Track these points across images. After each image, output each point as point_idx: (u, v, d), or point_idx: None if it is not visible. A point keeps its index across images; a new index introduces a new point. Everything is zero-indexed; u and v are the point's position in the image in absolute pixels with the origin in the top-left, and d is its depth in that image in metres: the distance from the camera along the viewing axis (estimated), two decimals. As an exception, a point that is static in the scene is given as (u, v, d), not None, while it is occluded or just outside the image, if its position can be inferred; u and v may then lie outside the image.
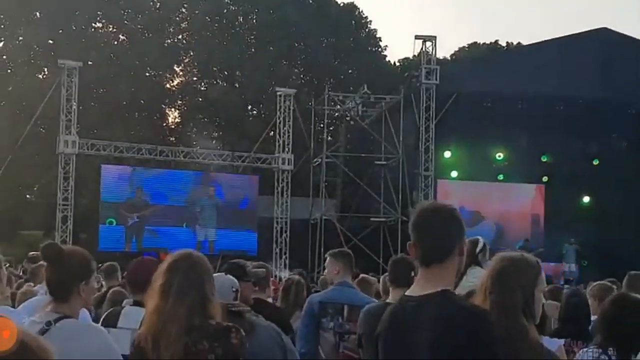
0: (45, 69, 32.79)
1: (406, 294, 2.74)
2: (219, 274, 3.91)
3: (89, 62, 27.11)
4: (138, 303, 4.02)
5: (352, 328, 5.42)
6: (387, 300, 5.01)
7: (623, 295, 4.41)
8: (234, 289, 3.81)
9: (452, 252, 2.66)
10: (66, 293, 3.16)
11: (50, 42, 33.24)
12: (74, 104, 22.22)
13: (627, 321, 4.04)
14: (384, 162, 24.69)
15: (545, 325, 3.61)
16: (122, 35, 35.26)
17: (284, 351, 3.77)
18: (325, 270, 6.16)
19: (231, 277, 3.90)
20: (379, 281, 7.60)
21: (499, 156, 25.02)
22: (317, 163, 25.28)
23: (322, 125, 26.65)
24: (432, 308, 2.57)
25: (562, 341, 4.26)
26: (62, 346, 3.02)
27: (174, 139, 34.10)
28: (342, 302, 5.53)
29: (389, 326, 2.73)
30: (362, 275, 7.56)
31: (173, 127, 36.79)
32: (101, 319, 4.11)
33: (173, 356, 2.99)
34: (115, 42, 34.83)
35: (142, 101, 34.47)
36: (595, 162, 25.78)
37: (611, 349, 4.03)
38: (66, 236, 21.86)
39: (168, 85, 36.66)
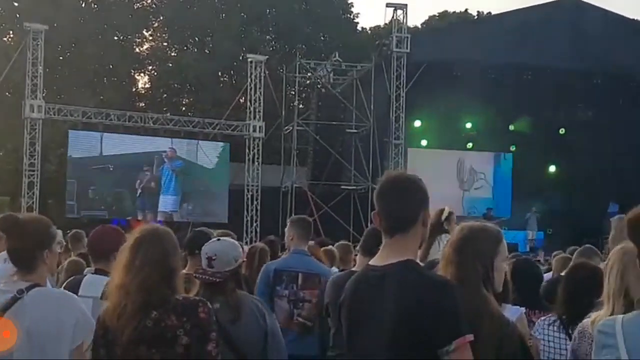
0: (11, 32, 32.12)
1: (370, 263, 2.73)
2: (226, 239, 3.85)
3: (56, 25, 26.61)
4: (100, 271, 4.00)
5: (306, 296, 5.48)
6: (353, 269, 5.10)
7: (581, 265, 4.54)
8: (236, 260, 3.73)
9: (415, 221, 2.65)
10: (30, 262, 3.13)
11: (16, 4, 32.59)
12: (40, 67, 21.89)
13: (578, 290, 4.19)
14: (355, 131, 24.75)
15: (509, 294, 3.62)
16: (91, -3, 34.67)
17: (265, 323, 3.76)
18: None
19: (238, 247, 3.82)
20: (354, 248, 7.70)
21: (468, 125, 25.24)
22: (288, 131, 25.26)
23: (293, 93, 26.60)
24: (395, 278, 2.56)
25: (523, 309, 4.31)
26: (39, 315, 3.05)
27: (143, 104, 33.77)
28: (296, 270, 5.54)
29: (352, 295, 2.73)
30: (328, 247, 7.65)
31: (142, 92, 36.39)
32: (62, 287, 4.07)
33: (135, 330, 2.95)
34: (83, 5, 34.16)
35: (110, 66, 33.99)
36: (562, 132, 26.15)
37: (564, 316, 4.19)
38: (33, 202, 21.64)
39: (137, 50, 36.16)
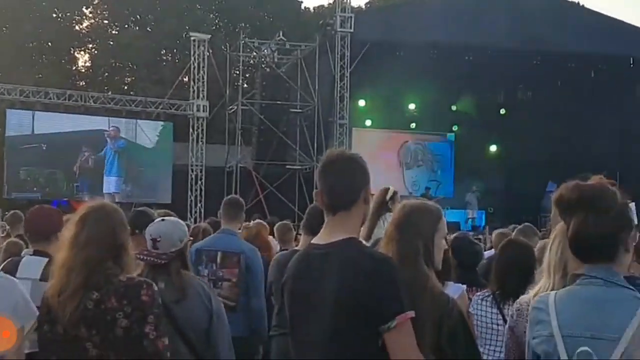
0: (-55, 8, 31.06)
1: (312, 241, 2.74)
2: (170, 219, 3.80)
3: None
4: (39, 252, 3.93)
5: (225, 275, 5.46)
6: (296, 248, 5.12)
7: (512, 241, 4.65)
8: (181, 241, 3.68)
9: (357, 199, 2.66)
10: None
11: (-50, -21, 31.47)
12: (-24, 45, 21.24)
13: (509, 266, 4.30)
14: (300, 110, 24.69)
15: (450, 271, 3.68)
16: (27, -27, 33.61)
17: (210, 304, 3.74)
18: None
19: (183, 227, 3.76)
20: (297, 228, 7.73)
21: (412, 106, 25.45)
22: (233, 110, 25.05)
23: (237, 72, 26.35)
24: (338, 255, 2.57)
25: (464, 287, 4.35)
26: None
27: (84, 83, 33.04)
28: (216, 249, 5.53)
29: (295, 274, 2.74)
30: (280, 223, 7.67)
31: (83, 71, 35.57)
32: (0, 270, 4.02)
33: (76, 310, 2.91)
34: (21, -19, 33.16)
35: (49, 43, 33.12)
36: (503, 112, 26.60)
37: (498, 292, 4.31)
38: (-30, 184, 21.10)
39: (77, 28, 35.28)
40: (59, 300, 2.95)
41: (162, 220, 3.77)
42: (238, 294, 5.47)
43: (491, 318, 4.28)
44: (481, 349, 4.17)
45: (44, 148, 21.98)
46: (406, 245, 2.80)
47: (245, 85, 27.80)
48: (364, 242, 2.88)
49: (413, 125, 25.81)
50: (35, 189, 21.93)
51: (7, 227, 6.89)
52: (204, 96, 23.95)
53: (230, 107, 25.18)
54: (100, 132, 22.84)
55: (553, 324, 2.18)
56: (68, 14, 34.15)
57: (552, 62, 24.31)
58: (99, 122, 22.95)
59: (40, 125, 22.09)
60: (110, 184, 22.88)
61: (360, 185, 2.69)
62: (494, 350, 4.26)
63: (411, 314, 2.49)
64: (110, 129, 22.86)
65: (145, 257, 3.59)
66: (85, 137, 22.64)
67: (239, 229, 6.00)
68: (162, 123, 23.80)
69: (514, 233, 6.20)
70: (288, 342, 2.81)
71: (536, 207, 22.11)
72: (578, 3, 29.45)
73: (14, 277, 3.75)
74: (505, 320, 4.16)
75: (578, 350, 2.09)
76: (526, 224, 6.74)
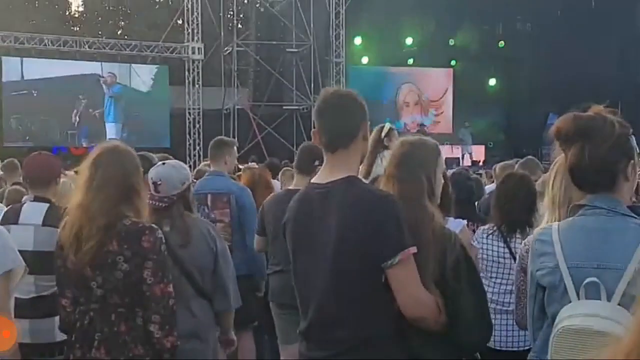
0: None
1: (312, 181, 2.74)
2: (171, 163, 3.79)
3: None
4: (39, 198, 3.93)
5: (217, 217, 5.49)
6: (290, 187, 5.10)
7: (511, 174, 4.63)
8: (182, 183, 3.67)
9: (356, 136, 2.65)
10: None
11: None
12: (-33, -7, 20.89)
13: (514, 198, 4.29)
14: (296, 50, 24.44)
15: (451, 207, 3.67)
16: None
17: (215, 246, 3.73)
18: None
19: (184, 170, 3.75)
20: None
21: (409, 41, 25.17)
22: (228, 52, 24.79)
23: (232, 13, 25.96)
24: (338, 194, 2.58)
25: (464, 222, 4.36)
26: None
27: (77, 29, 32.60)
28: (205, 192, 5.55)
29: (296, 213, 2.73)
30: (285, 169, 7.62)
31: (76, 16, 35.08)
32: (0, 216, 4.01)
33: (90, 254, 2.95)
34: None
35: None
36: (501, 45, 26.32)
37: (503, 225, 4.31)
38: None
39: (69, -28, 34.68)
40: (73, 244, 2.99)
41: (163, 164, 3.76)
42: (232, 233, 5.51)
43: (497, 252, 4.30)
44: (487, 282, 4.21)
45: (35, 95, 21.77)
46: (409, 183, 2.78)
47: (240, 26, 27.44)
48: (363, 180, 2.86)
49: (410, 61, 25.60)
50: (27, 137, 21.74)
51: (1, 173, 6.90)
52: (198, 38, 23.66)
53: (226, 48, 24.90)
54: (94, 77, 22.60)
55: (558, 255, 2.17)
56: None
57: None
58: (92, 68, 22.72)
59: (31, 71, 21.84)
60: (109, 130, 22.79)
61: (357, 122, 2.67)
62: (501, 283, 4.30)
63: (413, 249, 2.50)
64: (107, 75, 22.62)
65: (148, 201, 3.57)
66: (80, 83, 22.40)
67: (237, 171, 5.95)
68: (156, 67, 23.58)
69: (516, 166, 6.17)
70: (285, 279, 2.82)
71: (537, 140, 22.06)
72: None
73: (17, 223, 3.83)
74: (512, 254, 4.19)
75: (585, 282, 2.08)
76: (529, 157, 6.71)
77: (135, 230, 3.00)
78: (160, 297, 3.01)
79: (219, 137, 6.27)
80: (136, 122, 23.09)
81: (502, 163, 7.43)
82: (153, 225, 3.11)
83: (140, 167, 3.17)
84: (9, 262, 3.03)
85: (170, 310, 3.02)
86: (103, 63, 22.77)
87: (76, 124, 22.36)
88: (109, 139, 22.21)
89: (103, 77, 22.61)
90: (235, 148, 6.03)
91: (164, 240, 3.09)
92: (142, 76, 23.30)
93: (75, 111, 22.27)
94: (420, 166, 2.83)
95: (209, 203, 5.54)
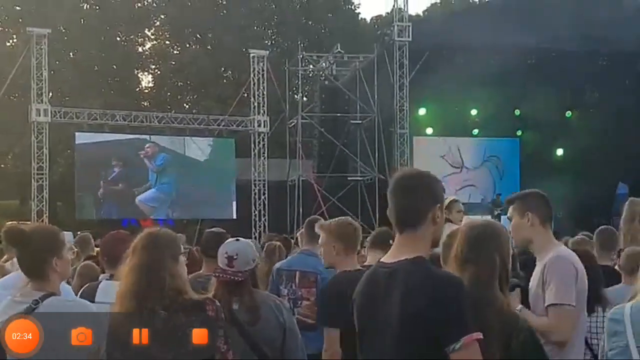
0: (15, 37, 32.22)
1: (381, 260, 2.75)
2: (243, 241, 3.87)
3: (59, 28, 26.65)
4: (114, 277, 4.00)
5: (304, 294, 5.51)
6: (365, 263, 5.11)
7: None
8: (254, 260, 3.76)
9: (424, 217, 2.64)
10: (40, 271, 3.12)
11: (18, 8, 32.65)
12: (44, 71, 21.95)
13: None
14: (360, 121, 24.69)
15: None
16: (91, -1, 34.70)
17: (283, 320, 3.77)
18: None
19: (254, 248, 3.84)
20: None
21: (473, 112, 25.17)
22: (293, 124, 25.23)
23: (296, 86, 26.56)
24: (403, 275, 2.57)
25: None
26: (54, 324, 3.06)
27: (147, 104, 33.81)
28: (294, 269, 5.60)
29: (363, 291, 2.75)
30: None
31: (146, 92, 36.46)
32: (79, 294, 4.10)
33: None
34: (85, 7, 34.23)
35: (114, 66, 34.06)
36: (568, 115, 26.03)
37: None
38: (42, 205, 21.72)
39: (140, 50, 36.23)
40: (123, 326, 3.01)
41: (237, 240, 3.86)
42: (316, 312, 5.52)
43: None
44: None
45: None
46: (484, 267, 2.78)
47: (304, 99, 28.00)
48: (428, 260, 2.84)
49: (476, 131, 25.53)
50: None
51: (76, 249, 7.04)
52: (264, 111, 24.24)
53: (290, 121, 25.37)
54: (167, 151, 23.19)
55: (629, 335, 2.15)
56: (131, 36, 35.15)
57: (619, 61, 23.69)
58: (166, 141, 23.44)
59: (112, 146, 22.72)
60: (173, 200, 23.18)
61: (427, 204, 2.67)
62: None
63: (478, 335, 2.47)
64: (147, 147, 23.03)
65: (221, 275, 3.67)
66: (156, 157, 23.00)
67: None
68: (226, 140, 24.12)
69: (569, 243, 5.98)
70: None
71: (605, 212, 21.51)
72: None
73: (93, 301, 3.84)
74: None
75: None
76: (601, 227, 6.35)
77: (199, 302, 3.06)
78: None
79: (315, 216, 6.33)
80: (203, 193, 23.35)
81: (574, 239, 7.19)
82: (210, 297, 3.18)
83: (177, 250, 3.23)
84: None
85: None
86: (173, 137, 23.42)
87: (102, 201, 22.72)
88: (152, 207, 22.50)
89: (143, 151, 22.95)
90: None
91: (222, 311, 3.12)
92: (200, 144, 23.81)
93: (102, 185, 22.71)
94: (495, 249, 2.83)
95: (296, 280, 5.59)
